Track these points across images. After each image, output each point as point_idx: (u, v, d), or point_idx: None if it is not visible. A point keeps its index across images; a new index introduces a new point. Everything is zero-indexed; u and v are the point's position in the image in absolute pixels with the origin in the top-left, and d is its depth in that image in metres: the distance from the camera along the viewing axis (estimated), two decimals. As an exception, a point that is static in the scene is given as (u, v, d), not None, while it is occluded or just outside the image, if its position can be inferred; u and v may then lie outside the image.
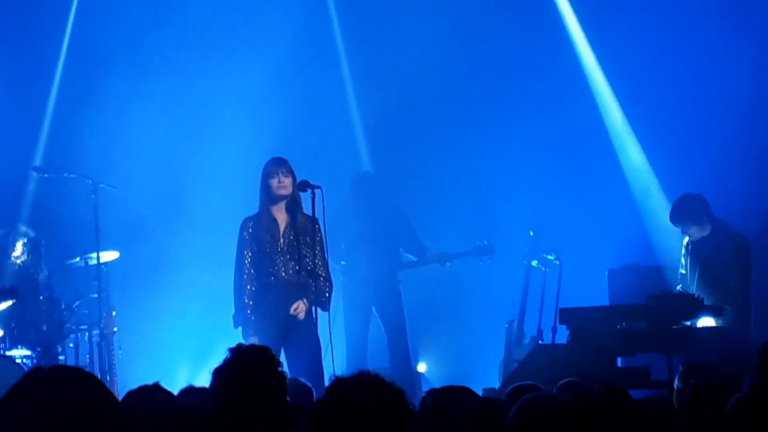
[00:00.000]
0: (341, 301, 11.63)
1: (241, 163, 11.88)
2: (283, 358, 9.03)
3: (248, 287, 9.24)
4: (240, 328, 9.22)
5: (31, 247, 10.72)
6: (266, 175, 9.34)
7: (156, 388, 5.24)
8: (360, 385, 3.63)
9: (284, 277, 9.25)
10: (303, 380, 6.70)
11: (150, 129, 12.40)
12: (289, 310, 9.15)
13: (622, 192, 12.71)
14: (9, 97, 12.21)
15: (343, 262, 11.65)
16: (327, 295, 9.30)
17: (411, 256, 12.05)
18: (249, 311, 9.18)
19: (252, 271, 9.26)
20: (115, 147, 12.22)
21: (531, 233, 12.31)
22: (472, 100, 13.10)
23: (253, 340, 8.87)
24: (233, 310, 9.28)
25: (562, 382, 5.86)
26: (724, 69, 12.16)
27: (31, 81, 12.35)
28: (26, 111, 12.35)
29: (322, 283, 9.28)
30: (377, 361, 11.56)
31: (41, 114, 12.35)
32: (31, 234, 10.82)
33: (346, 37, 12.98)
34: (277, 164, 9.33)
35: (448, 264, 12.03)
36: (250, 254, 9.28)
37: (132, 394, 5.14)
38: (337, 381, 3.69)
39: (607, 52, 12.92)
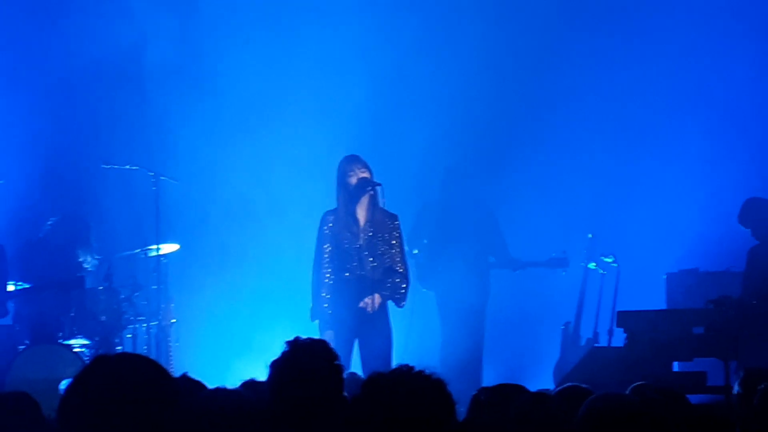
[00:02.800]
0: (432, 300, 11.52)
1: (305, 160, 11.93)
2: (356, 351, 9.20)
3: (326, 281, 9.31)
4: (317, 321, 9.32)
5: (78, 233, 10.76)
6: (343, 173, 9.38)
7: (184, 378, 5.23)
8: (396, 380, 3.62)
9: (361, 273, 9.32)
10: (361, 375, 6.74)
11: (212, 123, 12.48)
12: (364, 307, 9.23)
13: (682, 195, 12.63)
14: (72, 90, 12.32)
15: (415, 251, 11.47)
16: (402, 291, 9.38)
17: (492, 258, 11.85)
18: (326, 305, 9.27)
19: (330, 266, 9.32)
20: (178, 140, 12.30)
21: (589, 235, 12.27)
22: (531, 103, 13.05)
23: (329, 334, 9.04)
24: (310, 303, 9.37)
25: (635, 384, 5.78)
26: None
27: (94, 74, 12.44)
28: (89, 104, 12.44)
29: (399, 280, 9.37)
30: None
31: (105, 107, 12.43)
32: (78, 220, 10.89)
33: (419, 40, 12.93)
34: (353, 161, 9.40)
35: (518, 271, 11.83)
36: (329, 248, 9.35)
37: None
38: (374, 376, 3.68)
39: (669, 51, 12.87)
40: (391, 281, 9.34)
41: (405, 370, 3.67)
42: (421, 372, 3.67)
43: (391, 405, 3.58)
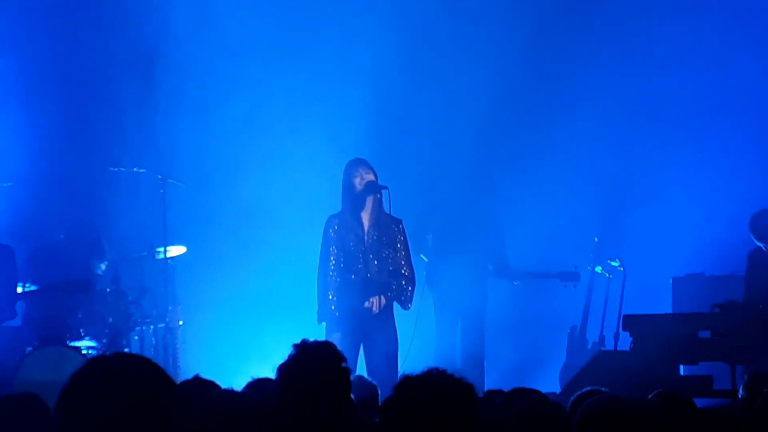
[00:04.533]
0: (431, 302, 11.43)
1: (312, 162, 11.94)
2: (362, 354, 9.24)
3: (332, 284, 9.34)
4: (324, 324, 9.38)
5: (91, 239, 10.82)
6: (349, 176, 9.44)
7: (197, 380, 5.24)
8: (430, 382, 3.66)
9: (367, 275, 9.35)
10: (369, 378, 6.75)
11: (220, 126, 12.49)
12: (370, 309, 9.25)
13: (689, 199, 12.63)
14: (79, 92, 12.34)
15: (425, 258, 11.40)
16: (408, 293, 9.41)
17: (490, 267, 11.65)
18: (333, 307, 9.30)
19: (336, 268, 9.36)
20: (185, 143, 12.32)
21: (596, 239, 12.27)
22: (538, 107, 13.04)
23: (336, 336, 9.08)
24: (316, 306, 9.42)
25: (658, 391, 5.77)
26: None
27: (102, 77, 12.46)
28: (97, 106, 12.46)
29: (404, 282, 9.42)
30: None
31: (113, 109, 12.45)
32: (92, 225, 10.93)
33: (427, 43, 12.92)
34: (359, 164, 9.45)
35: (516, 282, 11.66)
36: (335, 251, 9.38)
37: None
38: (407, 378, 3.72)
39: (676, 54, 12.87)
40: (397, 283, 9.39)
41: (437, 373, 3.72)
42: (452, 375, 3.72)
43: (425, 406, 3.61)
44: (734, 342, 9.09)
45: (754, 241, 10.39)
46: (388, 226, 9.47)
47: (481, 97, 12.68)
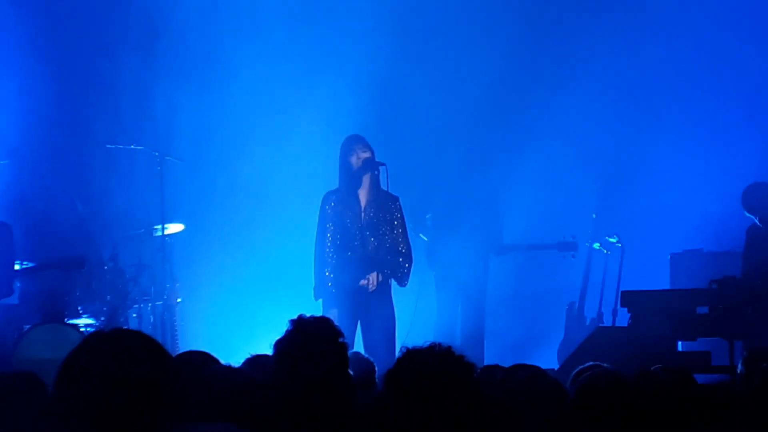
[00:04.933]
0: (432, 279, 11.42)
1: (310, 139, 11.93)
2: (359, 331, 9.25)
3: (329, 260, 9.34)
4: (321, 300, 9.40)
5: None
6: (346, 153, 9.43)
7: (195, 353, 5.23)
8: (432, 356, 3.66)
9: (364, 252, 9.35)
10: (365, 354, 6.75)
11: (217, 103, 12.47)
12: (367, 286, 9.26)
13: (687, 176, 12.62)
14: (77, 69, 12.31)
15: (424, 237, 11.41)
16: (405, 270, 9.41)
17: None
18: (330, 284, 9.30)
19: (333, 245, 9.35)
20: (183, 120, 12.30)
21: (594, 216, 12.26)
22: (537, 85, 13.02)
23: (333, 312, 9.08)
24: (313, 283, 9.43)
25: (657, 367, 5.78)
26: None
27: (99, 53, 12.43)
28: (95, 83, 12.43)
29: (401, 260, 9.41)
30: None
31: (110, 86, 12.42)
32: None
33: (428, 21, 12.90)
34: (356, 141, 9.43)
35: (500, 256, 11.63)
36: (332, 227, 9.38)
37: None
38: (410, 351, 3.72)
39: (675, 34, 12.85)
40: (394, 260, 9.39)
41: (440, 348, 3.72)
42: (454, 352, 3.72)
43: (427, 378, 3.62)
44: (732, 318, 9.09)
45: (746, 213, 10.38)
46: (385, 203, 9.46)
47: (479, 74, 12.66)
